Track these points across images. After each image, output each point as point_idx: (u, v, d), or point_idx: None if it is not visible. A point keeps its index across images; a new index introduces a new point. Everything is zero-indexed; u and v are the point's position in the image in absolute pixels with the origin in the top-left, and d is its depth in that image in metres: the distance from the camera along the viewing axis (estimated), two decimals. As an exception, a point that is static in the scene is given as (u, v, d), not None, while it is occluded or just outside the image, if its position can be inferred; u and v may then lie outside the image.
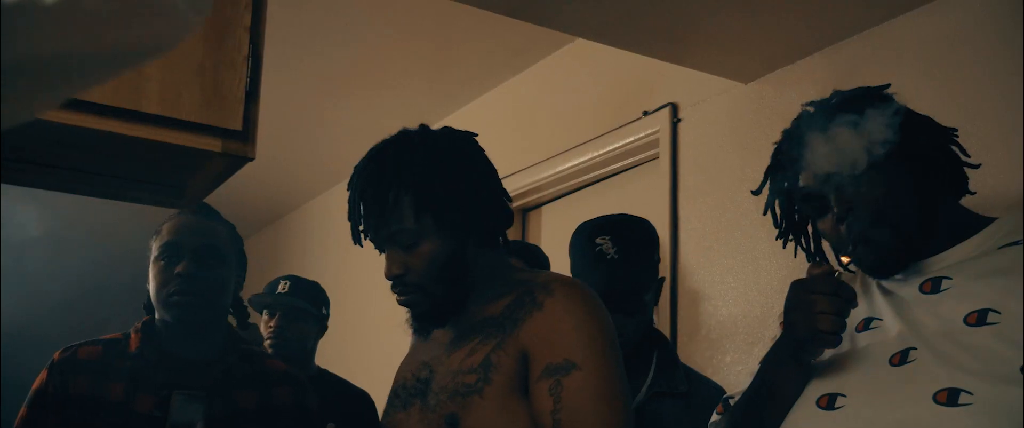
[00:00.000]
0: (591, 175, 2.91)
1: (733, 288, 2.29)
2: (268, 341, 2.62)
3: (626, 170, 2.81)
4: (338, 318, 3.27)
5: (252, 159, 1.25)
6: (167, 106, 1.19)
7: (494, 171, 1.56)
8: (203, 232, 1.83)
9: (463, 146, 1.54)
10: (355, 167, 1.53)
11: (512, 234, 3.22)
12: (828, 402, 1.31)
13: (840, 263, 1.38)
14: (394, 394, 1.59)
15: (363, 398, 2.65)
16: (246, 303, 2.01)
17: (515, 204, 3.27)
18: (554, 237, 3.22)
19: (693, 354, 2.32)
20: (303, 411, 1.88)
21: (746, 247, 2.27)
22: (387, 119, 3.67)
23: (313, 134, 3.80)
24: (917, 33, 1.95)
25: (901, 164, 1.31)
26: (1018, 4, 1.77)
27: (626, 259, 1.81)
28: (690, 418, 1.76)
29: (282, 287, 2.69)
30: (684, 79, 2.48)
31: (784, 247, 1.49)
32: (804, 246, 1.48)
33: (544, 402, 1.39)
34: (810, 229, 1.48)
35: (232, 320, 1.97)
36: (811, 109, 1.40)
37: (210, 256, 1.81)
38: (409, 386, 1.55)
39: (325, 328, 2.79)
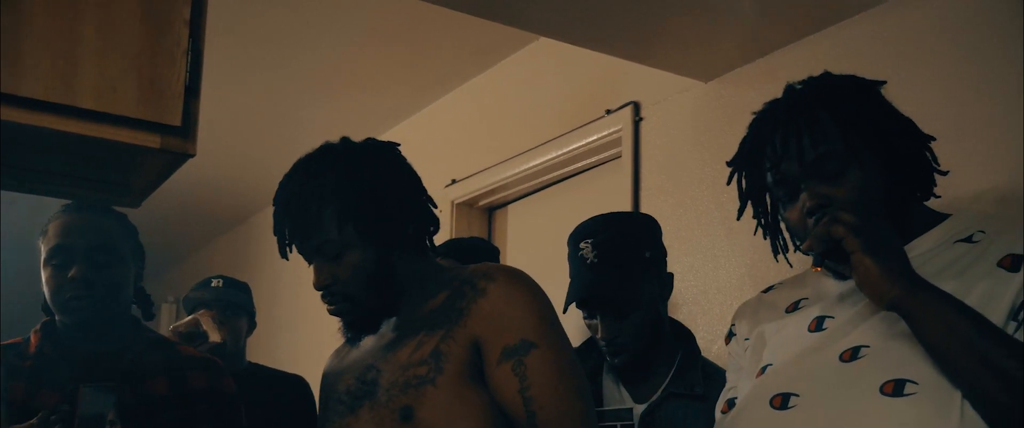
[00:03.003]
0: (555, 174, 2.90)
1: (693, 286, 2.28)
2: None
3: (590, 169, 2.80)
4: (306, 318, 3.26)
5: (193, 155, 1.22)
6: (102, 101, 1.16)
7: (417, 179, 1.60)
8: (92, 231, 1.78)
9: (384, 156, 1.57)
10: (280, 182, 1.55)
11: (478, 232, 3.23)
12: (781, 402, 1.30)
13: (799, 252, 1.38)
14: (336, 401, 1.58)
15: (299, 383, 2.69)
16: (148, 293, 1.97)
17: (480, 203, 3.26)
18: (519, 236, 3.21)
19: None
20: (219, 394, 1.86)
21: (705, 245, 2.26)
22: (356, 119, 3.73)
23: (285, 135, 3.76)
24: (879, 29, 1.95)
25: (878, 165, 1.31)
26: (977, 7, 1.78)
27: (604, 262, 1.78)
28: (706, 421, 1.71)
29: (216, 283, 2.69)
30: (646, 78, 2.47)
31: (739, 218, 1.46)
32: (763, 224, 1.46)
33: (509, 383, 1.43)
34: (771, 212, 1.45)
35: (137, 311, 1.95)
36: (799, 86, 1.38)
37: (102, 256, 1.78)
38: (354, 390, 1.55)
39: (255, 325, 2.82)
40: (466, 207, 3.28)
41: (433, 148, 3.51)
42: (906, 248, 1.30)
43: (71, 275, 1.74)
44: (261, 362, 2.81)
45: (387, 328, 1.57)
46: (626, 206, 2.46)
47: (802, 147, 1.31)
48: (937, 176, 1.38)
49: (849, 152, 1.29)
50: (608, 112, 2.59)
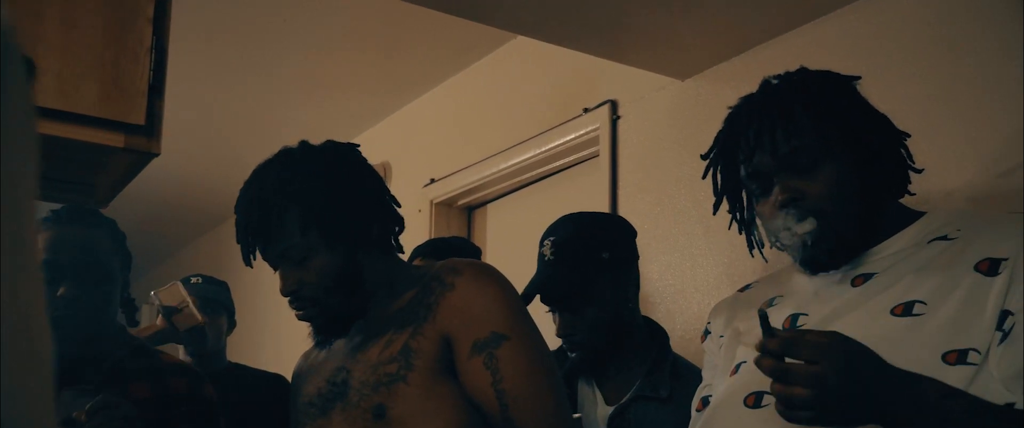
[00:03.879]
0: (534, 173, 2.89)
1: (671, 284, 2.27)
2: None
3: (568, 168, 2.80)
4: (288, 318, 3.20)
5: (157, 155, 1.20)
6: (65, 100, 1.14)
7: (379, 179, 1.59)
8: (81, 246, 1.76)
9: (344, 158, 1.56)
10: (241, 189, 1.54)
11: (457, 232, 3.22)
12: (755, 401, 1.29)
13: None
14: (307, 405, 1.57)
15: (279, 381, 2.66)
16: (133, 298, 1.97)
17: (459, 202, 3.24)
18: (499, 235, 3.19)
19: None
20: (199, 400, 1.86)
21: (683, 243, 2.25)
22: (334, 120, 3.72)
23: (264, 136, 3.73)
24: (855, 26, 1.95)
25: (852, 160, 1.30)
26: (952, 4, 1.78)
27: (559, 259, 1.81)
28: (672, 421, 1.73)
29: (195, 280, 2.67)
30: (623, 76, 2.46)
31: (715, 213, 1.45)
32: (739, 219, 1.45)
33: (481, 376, 1.42)
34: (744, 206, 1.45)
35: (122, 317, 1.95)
36: (775, 81, 1.37)
37: (92, 272, 1.76)
38: (325, 393, 1.54)
39: (235, 323, 2.79)
40: (445, 206, 3.26)
41: (412, 148, 3.50)
42: (874, 251, 1.29)
43: (60, 293, 1.73)
44: (244, 362, 2.79)
45: (356, 329, 1.57)
46: (603, 204, 2.45)
47: (775, 140, 1.30)
48: (912, 174, 1.37)
49: (822, 146, 1.29)
50: (586, 111, 2.58)
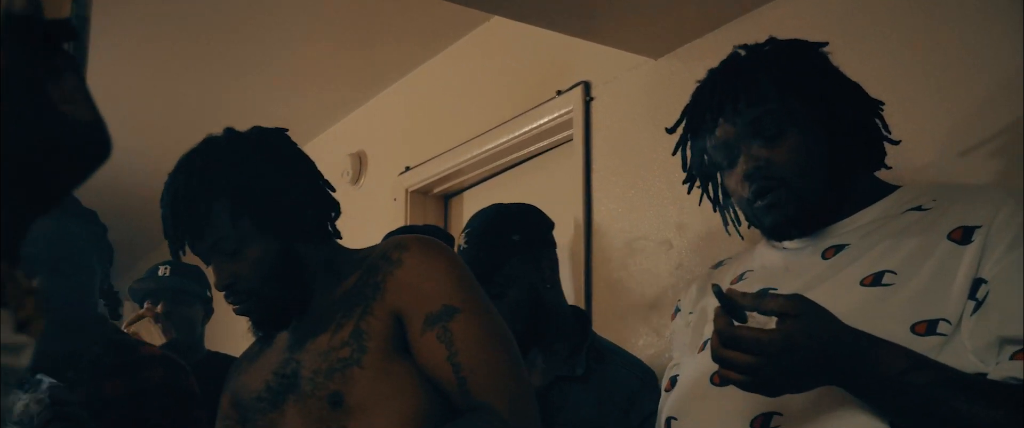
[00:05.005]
0: (509, 158, 2.84)
1: (646, 269, 2.23)
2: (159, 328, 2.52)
3: (543, 152, 2.75)
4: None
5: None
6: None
7: (310, 163, 1.54)
8: (57, 240, 1.74)
9: (273, 143, 1.52)
10: (165, 182, 1.49)
11: (433, 220, 3.16)
12: (721, 379, 1.25)
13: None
14: (256, 400, 1.51)
15: None
16: (117, 290, 1.93)
17: (435, 191, 3.19)
18: (474, 224, 3.14)
19: (609, 335, 2.26)
20: (175, 392, 1.82)
21: (658, 226, 2.21)
22: (306, 111, 3.67)
23: (236, 127, 3.66)
24: (832, 2, 1.90)
25: (820, 129, 1.26)
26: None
27: (472, 244, 1.90)
28: (591, 400, 1.78)
29: (162, 271, 2.59)
30: (596, 57, 2.42)
31: (689, 192, 1.42)
32: (710, 196, 1.41)
33: (436, 351, 1.38)
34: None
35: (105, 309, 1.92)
36: (742, 52, 1.34)
37: (67, 266, 1.74)
38: (274, 386, 1.49)
39: (211, 311, 2.71)
40: (421, 195, 3.21)
41: (386, 137, 3.45)
42: (845, 222, 1.26)
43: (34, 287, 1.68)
44: (224, 351, 2.71)
45: (299, 320, 1.52)
46: (578, 189, 2.41)
47: (738, 108, 1.27)
48: (890, 146, 1.33)
49: (787, 114, 1.25)
50: (559, 93, 2.54)
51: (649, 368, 1.96)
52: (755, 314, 1.07)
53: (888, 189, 1.28)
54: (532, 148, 2.74)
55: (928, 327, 1.09)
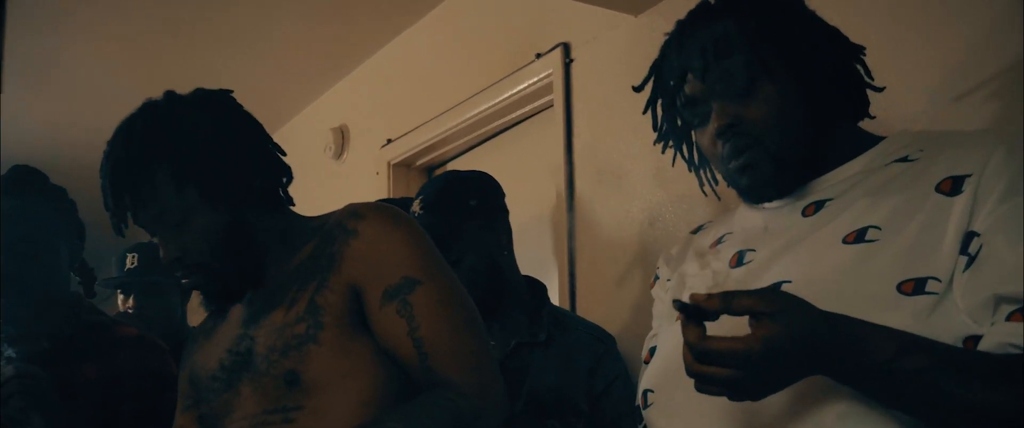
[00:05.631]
0: (490, 127, 2.74)
1: (629, 235, 2.14)
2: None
3: (524, 119, 2.65)
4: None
5: None
6: None
7: (258, 126, 1.45)
8: (19, 220, 1.70)
9: (217, 106, 1.42)
10: (104, 151, 1.39)
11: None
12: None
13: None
14: (210, 379, 1.43)
15: None
16: (91, 266, 1.88)
17: (418, 163, 3.11)
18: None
19: (593, 304, 2.18)
20: (151, 375, 1.77)
21: (641, 191, 2.12)
22: (288, 86, 3.57)
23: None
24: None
25: (796, 80, 1.16)
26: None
27: (428, 210, 1.86)
28: (554, 366, 1.76)
29: (130, 262, 2.49)
30: (575, 16, 2.32)
31: (663, 152, 1.33)
32: (685, 157, 1.33)
33: (396, 326, 1.30)
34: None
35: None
36: (711, 1, 1.24)
37: (27, 246, 1.70)
38: (228, 365, 1.40)
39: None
40: (403, 168, 3.12)
41: (368, 109, 3.36)
42: (827, 177, 1.16)
43: None
44: None
45: (253, 292, 1.43)
46: (560, 157, 2.32)
47: (706, 62, 1.17)
48: (875, 94, 1.24)
49: (759, 65, 1.15)
50: (538, 56, 2.44)
51: (610, 334, 1.93)
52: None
53: (873, 140, 1.18)
54: (513, 115, 2.64)
55: (916, 286, 0.99)
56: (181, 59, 3.33)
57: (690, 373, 0.96)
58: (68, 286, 1.82)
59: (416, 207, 1.88)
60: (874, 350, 0.92)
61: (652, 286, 1.45)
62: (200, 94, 1.44)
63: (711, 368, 0.93)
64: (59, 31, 3.01)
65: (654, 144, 1.34)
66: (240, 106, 1.45)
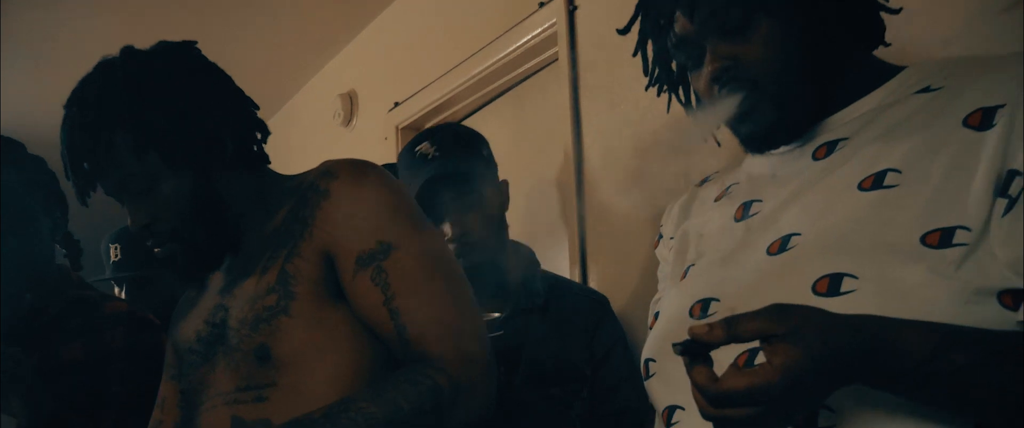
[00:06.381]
0: (496, 84, 2.61)
1: (639, 195, 2.00)
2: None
3: (531, 74, 2.52)
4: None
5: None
6: None
7: (227, 79, 1.34)
8: None
9: (178, 62, 1.31)
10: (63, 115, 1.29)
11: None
12: (701, 310, 1.05)
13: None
14: (189, 351, 1.34)
15: None
16: (77, 238, 1.80)
17: (426, 126, 2.98)
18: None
19: (603, 264, 2.06)
20: (137, 355, 1.69)
21: (648, 145, 1.98)
22: (295, 52, 3.46)
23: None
24: None
25: (796, 11, 1.02)
26: None
27: (445, 153, 1.73)
28: (552, 332, 1.67)
29: (114, 254, 2.40)
30: (579, -40, 2.17)
31: (658, 95, 1.21)
32: (682, 102, 1.20)
33: (371, 295, 1.19)
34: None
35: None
36: None
37: (4, 219, 1.63)
38: (205, 336, 1.31)
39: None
40: (411, 132, 3.00)
41: (375, 73, 3.24)
42: (840, 115, 1.03)
43: None
44: None
45: (232, 258, 1.34)
46: (566, 112, 2.18)
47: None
48: (893, 18, 1.09)
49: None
50: (541, 5, 2.30)
51: (605, 297, 1.82)
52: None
53: (891, 71, 1.04)
54: (519, 71, 2.50)
55: (942, 237, 0.86)
56: (184, 32, 3.22)
57: (706, 418, 0.82)
58: (52, 260, 1.75)
59: (427, 149, 1.74)
60: (909, 350, 0.78)
61: (656, 246, 1.33)
62: (160, 48, 1.33)
63: (729, 411, 0.80)
64: (58, 4, 2.93)
65: (645, 89, 1.21)
66: (205, 59, 1.35)
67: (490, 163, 1.81)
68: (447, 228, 1.69)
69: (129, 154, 1.25)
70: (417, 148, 1.75)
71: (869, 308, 0.84)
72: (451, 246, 1.67)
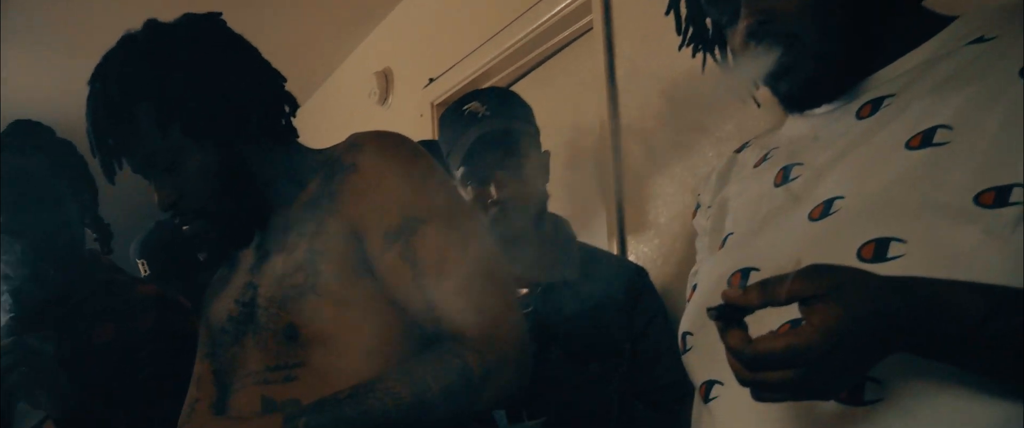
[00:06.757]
0: (531, 56, 2.57)
1: (680, 166, 1.94)
2: None
3: (565, 46, 2.46)
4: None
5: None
6: None
7: (253, 51, 1.30)
8: (14, 176, 1.63)
9: (202, 34, 1.27)
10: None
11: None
12: (740, 280, 1.00)
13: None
14: (221, 331, 1.32)
15: None
16: (107, 222, 1.80)
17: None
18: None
19: (642, 241, 2.01)
20: (167, 335, 1.69)
21: (691, 116, 1.91)
22: (329, 31, 3.44)
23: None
24: None
25: None
26: None
27: (498, 113, 1.67)
28: (590, 305, 1.62)
29: (143, 269, 2.41)
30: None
31: (693, 56, 1.16)
32: (718, 61, 1.15)
33: (400, 272, 1.16)
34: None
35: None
36: None
37: (30, 202, 1.63)
38: (236, 316, 1.29)
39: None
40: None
41: (409, 50, 3.21)
42: (887, 70, 0.97)
43: None
44: None
45: (262, 235, 1.31)
46: (602, 83, 2.13)
47: None
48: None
49: None
50: (574, -27, 2.25)
51: (643, 268, 1.77)
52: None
53: (941, 22, 0.98)
54: (553, 41, 2.46)
55: (997, 196, 0.80)
56: (220, 8, 3.22)
57: (743, 383, 0.77)
58: (81, 243, 1.75)
59: (477, 107, 1.69)
60: (962, 313, 0.73)
61: (693, 216, 1.28)
62: (185, 20, 1.30)
63: (766, 374, 0.75)
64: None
65: (679, 49, 1.15)
66: (230, 31, 1.31)
67: (537, 131, 1.76)
68: (492, 190, 1.64)
69: (153, 128, 1.22)
70: (466, 106, 1.69)
71: (918, 273, 0.78)
72: (493, 209, 1.63)
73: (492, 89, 1.78)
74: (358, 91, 3.49)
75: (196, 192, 1.25)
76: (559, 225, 1.77)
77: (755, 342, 0.74)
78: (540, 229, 1.71)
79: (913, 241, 0.81)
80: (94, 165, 1.75)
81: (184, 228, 1.29)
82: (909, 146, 0.88)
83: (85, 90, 1.26)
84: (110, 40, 1.26)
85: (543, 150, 1.77)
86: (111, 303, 1.69)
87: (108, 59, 1.27)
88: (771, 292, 0.74)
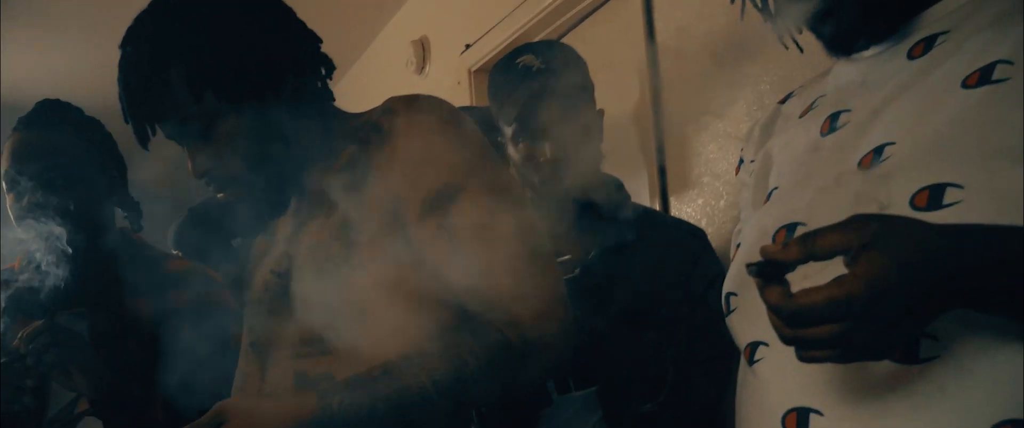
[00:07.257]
0: (568, 16, 2.50)
1: (723, 124, 1.88)
2: None
3: (602, 4, 2.39)
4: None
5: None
6: None
7: (289, 13, 1.24)
8: (42, 153, 1.62)
9: None
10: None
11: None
12: (785, 235, 0.95)
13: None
14: (256, 303, 1.29)
15: None
16: (137, 201, 1.79)
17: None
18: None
19: (684, 201, 1.95)
20: (203, 310, 1.66)
21: (733, 80, 1.84)
22: (347, 3, 3.40)
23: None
24: None
25: None
26: None
27: (551, 69, 1.58)
28: (648, 267, 1.56)
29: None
30: None
31: (731, 3, 1.09)
32: (758, 6, 1.09)
33: (437, 242, 1.12)
34: None
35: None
36: None
37: (57, 179, 1.62)
38: (272, 287, 1.26)
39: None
40: (483, 74, 2.92)
41: (446, 17, 3.16)
42: (940, 6, 0.90)
43: (25, 203, 1.62)
44: None
45: (298, 202, 1.27)
46: (640, 43, 2.06)
47: None
48: None
49: None
50: (609, -72, 2.17)
51: (702, 230, 1.69)
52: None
53: None
54: (590, 1, 2.38)
55: (1064, 136, 0.74)
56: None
57: (785, 341, 0.72)
58: (111, 220, 1.74)
59: (532, 61, 1.60)
60: (1021, 263, 0.67)
61: (736, 172, 1.22)
62: None
63: (809, 330, 0.70)
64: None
65: (740, 19, 1.09)
66: None
67: (592, 86, 1.68)
68: (546, 148, 1.58)
69: (186, 93, 1.18)
70: (519, 59, 1.61)
71: (976, 221, 0.73)
72: (546, 169, 1.57)
73: (547, 42, 1.70)
74: (395, 61, 3.45)
75: (230, 159, 1.20)
76: (612, 185, 1.70)
77: (795, 296, 0.69)
78: (594, 190, 1.63)
79: (971, 186, 0.75)
80: (123, 143, 1.74)
81: (219, 196, 1.26)
82: (966, 85, 0.82)
83: (108, 74, 1.23)
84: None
85: (597, 108, 1.70)
86: (143, 280, 1.68)
87: (140, 21, 1.22)
88: (811, 245, 0.69)
